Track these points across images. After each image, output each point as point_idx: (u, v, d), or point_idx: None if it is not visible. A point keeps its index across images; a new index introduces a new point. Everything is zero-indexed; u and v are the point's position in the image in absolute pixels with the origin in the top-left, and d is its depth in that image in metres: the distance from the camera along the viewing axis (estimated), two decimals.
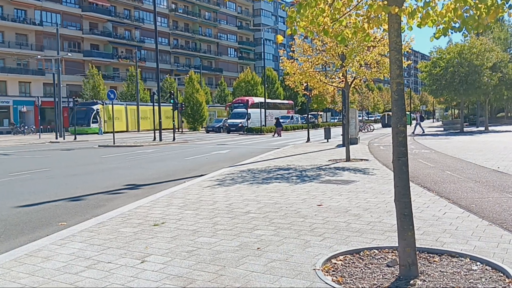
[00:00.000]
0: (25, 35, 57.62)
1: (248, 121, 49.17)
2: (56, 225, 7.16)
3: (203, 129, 54.96)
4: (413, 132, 34.69)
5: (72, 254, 5.26)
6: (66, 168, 15.93)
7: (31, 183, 12.17)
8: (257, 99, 56.29)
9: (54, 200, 9.42)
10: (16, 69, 55.93)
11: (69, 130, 46.88)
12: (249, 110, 50.69)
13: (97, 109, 49.25)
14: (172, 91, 37.76)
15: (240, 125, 48.36)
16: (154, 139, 33.52)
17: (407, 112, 38.41)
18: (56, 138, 38.78)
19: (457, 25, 4.43)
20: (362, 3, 4.70)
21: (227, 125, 49.52)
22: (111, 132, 45.85)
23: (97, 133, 47.65)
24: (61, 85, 44.91)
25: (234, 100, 59.39)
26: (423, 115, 54.19)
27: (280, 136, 39.25)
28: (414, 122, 39.33)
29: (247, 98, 57.11)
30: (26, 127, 51.97)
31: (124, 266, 4.77)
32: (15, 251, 5.46)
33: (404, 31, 4.65)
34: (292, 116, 60.06)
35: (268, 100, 55.21)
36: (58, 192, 10.41)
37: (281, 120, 56.21)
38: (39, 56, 52.40)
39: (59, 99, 43.03)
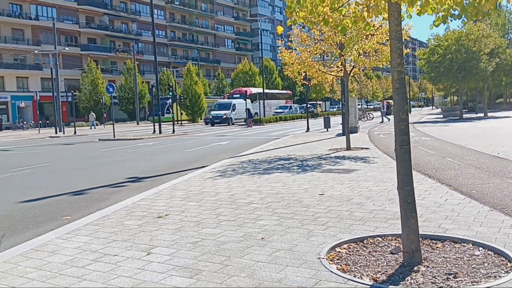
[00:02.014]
0: (21, 30, 57.40)
1: (233, 112, 47.46)
2: (61, 219, 7.20)
3: (202, 121, 54.93)
4: (381, 122, 37.12)
5: (78, 247, 5.30)
6: (67, 163, 15.97)
7: (33, 178, 12.21)
8: (255, 90, 56.19)
9: (57, 194, 9.46)
10: (13, 64, 55.77)
11: (148, 119, 52.59)
12: (234, 101, 49.32)
13: (169, 103, 52.39)
14: (171, 84, 37.68)
15: (225, 116, 46.28)
16: (154, 131, 33.52)
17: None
18: (56, 133, 38.78)
19: (456, 12, 4.43)
20: None
21: (210, 117, 47.52)
22: (178, 121, 50.96)
23: (171, 121, 52.34)
24: (59, 80, 44.83)
25: (232, 91, 59.24)
26: (390, 105, 55.00)
27: (251, 126, 39.23)
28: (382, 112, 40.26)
29: (245, 88, 56.99)
30: (25, 122, 51.91)
31: (131, 259, 4.81)
32: (21, 246, 5.50)
33: (404, 19, 4.66)
34: (290, 106, 59.87)
35: (266, 91, 55.08)
36: (60, 187, 10.45)
37: (279, 110, 56.32)
38: (36, 51, 52.22)
39: (58, 94, 42.97)
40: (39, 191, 9.94)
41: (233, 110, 47.62)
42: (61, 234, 5.91)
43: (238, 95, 53.33)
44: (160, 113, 35.15)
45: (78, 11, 63.97)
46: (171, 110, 53.85)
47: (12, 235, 6.37)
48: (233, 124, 45.89)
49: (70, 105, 48.25)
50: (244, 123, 44.93)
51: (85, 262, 4.78)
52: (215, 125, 45.58)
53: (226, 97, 57.87)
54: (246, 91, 54.11)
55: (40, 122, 48.64)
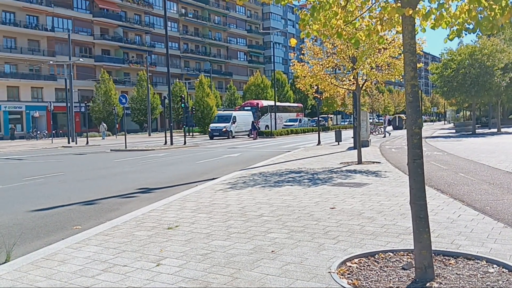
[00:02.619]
0: (37, 41, 58.25)
1: (233, 125, 44.36)
2: (71, 228, 7.22)
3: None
4: (384, 136, 37.31)
5: (88, 257, 5.30)
6: (79, 173, 16.06)
7: (45, 188, 12.28)
8: (266, 102, 56.16)
9: (68, 204, 9.51)
10: (28, 74, 56.56)
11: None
12: (234, 113, 46.94)
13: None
14: (183, 95, 37.91)
15: (224, 129, 43.06)
16: (165, 143, 33.64)
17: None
18: (69, 143, 39.09)
19: (471, 26, 4.41)
20: (375, 5, 4.70)
21: (209, 130, 44.44)
22: (190, 132, 50.28)
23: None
24: (73, 90, 45.30)
25: (244, 103, 59.24)
26: (390, 119, 55.22)
27: (256, 139, 39.64)
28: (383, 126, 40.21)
29: (256, 101, 57.04)
30: (38, 132, 52.46)
31: (140, 269, 4.80)
32: (31, 254, 5.52)
33: (418, 33, 4.64)
34: (300, 119, 59.45)
35: (277, 103, 55.04)
36: (71, 196, 10.50)
37: (289, 123, 56.05)
38: (51, 62, 52.96)
39: (71, 104, 43.41)
40: (50, 201, 10.00)
41: (233, 122, 44.73)
42: (71, 244, 5.92)
43: (249, 107, 53.34)
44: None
45: (93, 23, 64.87)
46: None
47: (23, 244, 6.40)
48: (233, 137, 43.38)
49: (83, 115, 48.72)
50: (247, 136, 44.05)
51: (95, 272, 4.78)
52: (214, 138, 43.02)
53: (237, 109, 57.73)
54: (257, 104, 54.18)
55: (54, 132, 49.12)
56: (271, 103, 53.92)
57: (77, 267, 4.94)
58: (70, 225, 7.49)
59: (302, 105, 68.24)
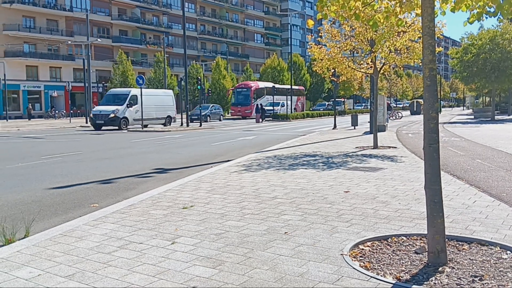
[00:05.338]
0: (56, 21, 58.59)
1: (130, 108, 30.70)
2: (88, 206, 7.36)
3: (229, 114, 54.65)
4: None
5: (105, 234, 5.41)
6: (96, 152, 16.27)
7: (63, 166, 12.48)
8: (262, 84, 53.49)
9: (86, 182, 9.66)
10: (47, 54, 57.04)
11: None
12: (134, 91, 31.77)
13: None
14: (199, 77, 37.91)
15: (113, 115, 29.65)
16: (182, 124, 33.85)
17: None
18: (86, 123, 39.50)
19: (492, 9, 4.34)
20: None
21: (91, 116, 31.57)
22: None
23: None
24: (91, 70, 45.67)
25: (238, 84, 56.51)
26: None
27: (261, 122, 39.66)
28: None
29: (252, 83, 54.42)
30: (57, 111, 53.05)
31: (155, 247, 4.89)
32: (50, 230, 5.65)
33: (437, 15, 4.58)
34: (282, 103, 50.34)
35: (276, 86, 51.60)
36: (89, 175, 10.67)
37: (269, 108, 48.21)
38: (69, 42, 53.31)
39: (89, 84, 43.82)
40: (68, 179, 10.17)
41: (130, 105, 30.76)
42: (88, 221, 6.04)
43: (244, 89, 50.95)
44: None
45: (111, 3, 64.94)
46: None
47: (42, 220, 6.54)
48: (127, 129, 30.17)
49: (101, 95, 49.14)
50: (164, 127, 33.28)
51: (111, 248, 4.88)
52: (102, 128, 30.25)
53: (231, 90, 54.43)
54: (252, 85, 51.59)
55: (72, 111, 49.61)
56: (268, 85, 51.62)
57: (94, 244, 5.05)
58: (87, 203, 7.63)
59: (303, 88, 65.54)
